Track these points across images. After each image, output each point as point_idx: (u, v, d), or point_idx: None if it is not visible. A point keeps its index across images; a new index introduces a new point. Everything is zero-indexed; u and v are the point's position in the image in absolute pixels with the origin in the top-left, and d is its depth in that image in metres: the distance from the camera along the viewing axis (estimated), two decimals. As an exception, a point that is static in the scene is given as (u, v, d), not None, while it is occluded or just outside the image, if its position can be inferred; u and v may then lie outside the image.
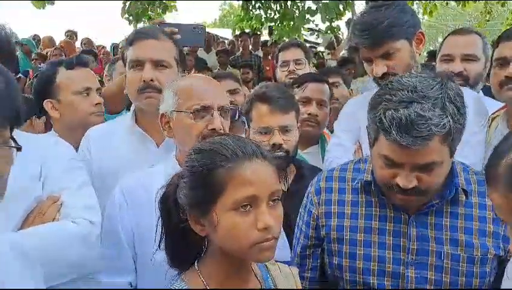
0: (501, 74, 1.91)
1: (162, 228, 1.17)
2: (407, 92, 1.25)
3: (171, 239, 1.17)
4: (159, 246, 1.17)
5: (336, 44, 9.07)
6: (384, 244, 1.44)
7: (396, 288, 1.41)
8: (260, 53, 8.84)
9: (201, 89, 1.60)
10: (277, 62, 3.11)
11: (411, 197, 1.33)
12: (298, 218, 1.65)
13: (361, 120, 2.09)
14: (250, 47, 8.81)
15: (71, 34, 9.65)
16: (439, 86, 1.26)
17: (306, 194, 1.62)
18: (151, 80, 1.83)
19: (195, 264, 1.17)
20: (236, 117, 2.05)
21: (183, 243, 1.16)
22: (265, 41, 9.16)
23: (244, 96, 3.14)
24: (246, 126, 2.08)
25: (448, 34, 2.58)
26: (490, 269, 1.40)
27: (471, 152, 1.90)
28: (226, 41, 10.24)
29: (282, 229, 1.13)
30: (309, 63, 3.11)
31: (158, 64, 1.87)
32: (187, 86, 1.61)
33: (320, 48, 10.31)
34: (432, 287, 1.38)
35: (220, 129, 1.56)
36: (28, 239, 1.28)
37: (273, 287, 1.23)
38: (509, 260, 1.38)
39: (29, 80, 5.82)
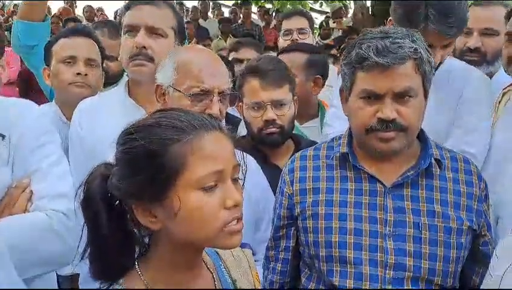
0: (510, 49, 1.84)
1: (88, 236, 0.96)
2: (378, 32, 1.34)
3: (101, 246, 0.95)
4: (82, 257, 0.97)
5: (343, 13, 8.88)
6: (361, 217, 1.40)
7: (375, 262, 1.38)
8: (260, 22, 8.68)
9: (203, 69, 1.51)
10: (280, 31, 3.04)
11: (392, 134, 1.34)
12: (275, 202, 1.60)
13: None
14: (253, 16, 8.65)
15: (70, 1, 9.46)
16: (409, 34, 1.34)
17: (280, 176, 1.57)
18: (144, 47, 1.74)
19: (136, 265, 0.99)
20: (237, 103, 1.98)
21: (117, 248, 0.96)
22: (267, 10, 8.96)
23: None
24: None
25: (470, 5, 2.48)
26: (465, 242, 1.40)
27: (478, 140, 1.85)
28: (228, 9, 10.03)
29: None
30: (312, 33, 3.04)
31: (153, 32, 1.78)
32: (188, 62, 1.53)
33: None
34: (412, 259, 1.36)
35: (217, 115, 1.48)
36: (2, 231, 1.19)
37: (226, 274, 1.10)
38: (483, 235, 1.44)
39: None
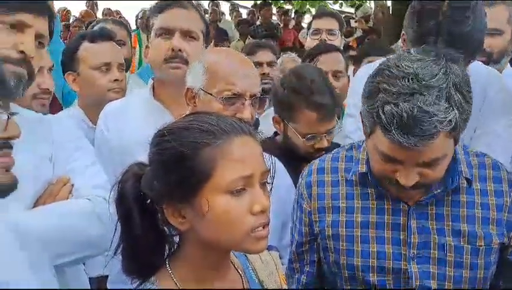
0: None
1: (121, 233, 0.99)
2: (408, 81, 1.11)
3: (133, 244, 0.98)
4: (115, 253, 0.99)
5: (371, 18, 8.85)
6: (383, 239, 1.34)
7: (398, 285, 1.33)
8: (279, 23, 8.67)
9: (234, 72, 1.51)
10: (308, 30, 3.04)
11: (413, 192, 1.26)
12: (292, 212, 1.54)
13: None
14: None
15: (91, 4, 9.60)
16: (444, 73, 1.12)
17: (297, 187, 1.50)
18: (180, 50, 1.78)
19: (166, 264, 1.01)
20: (266, 107, 1.98)
21: (149, 246, 0.99)
22: (286, 11, 8.95)
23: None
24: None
25: None
26: (494, 259, 1.33)
27: (502, 148, 1.78)
28: (246, 10, 10.05)
29: None
30: (341, 36, 3.01)
31: (187, 35, 1.82)
32: (219, 65, 1.52)
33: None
34: (436, 282, 1.30)
35: (249, 119, 1.48)
36: (36, 219, 1.23)
37: (254, 277, 1.12)
38: None
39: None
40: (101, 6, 9.75)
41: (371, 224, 1.36)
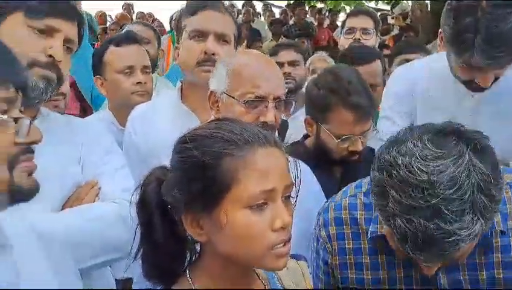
0: None
1: (141, 237, 0.97)
2: (422, 192, 0.92)
3: (153, 250, 0.96)
4: (135, 257, 0.97)
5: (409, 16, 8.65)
6: None
7: None
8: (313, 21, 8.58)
9: (257, 74, 1.47)
10: (342, 28, 2.96)
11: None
12: (311, 260, 1.39)
13: (417, 92, 1.89)
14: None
15: (127, 7, 9.80)
16: (466, 176, 0.92)
17: (315, 237, 1.36)
18: (213, 54, 1.75)
19: (187, 272, 0.98)
20: (291, 111, 1.92)
21: (169, 253, 0.96)
22: (320, 9, 8.86)
23: (308, 70, 3.01)
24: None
25: None
26: None
27: None
28: (278, 10, 10.01)
29: None
30: (377, 35, 2.92)
31: (221, 38, 1.79)
32: (242, 67, 1.49)
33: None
34: None
35: (272, 122, 1.44)
36: (60, 221, 1.24)
37: (279, 286, 1.06)
38: None
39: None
40: (137, 8, 9.95)
41: (398, 280, 1.24)
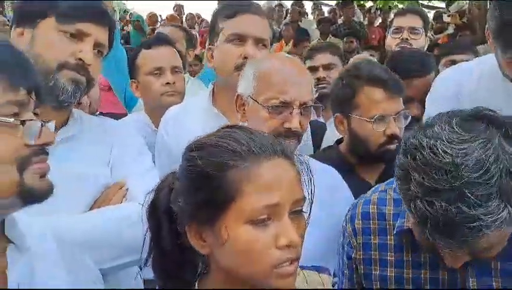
0: None
1: (150, 243, 0.96)
2: (445, 174, 0.88)
3: (161, 257, 0.94)
4: (146, 263, 0.96)
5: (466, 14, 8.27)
6: None
7: None
8: (362, 20, 8.38)
9: (283, 79, 1.44)
10: (390, 28, 2.84)
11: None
12: (337, 254, 1.39)
13: (464, 94, 1.78)
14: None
15: (178, 8, 10.00)
16: (494, 160, 0.87)
17: (342, 232, 1.34)
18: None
19: (196, 284, 0.95)
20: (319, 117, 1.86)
21: (177, 262, 0.94)
22: (369, 8, 8.63)
23: None
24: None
25: None
26: None
27: None
28: (327, 9, 9.85)
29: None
30: (426, 34, 2.77)
31: (259, 43, 1.78)
32: (268, 72, 1.47)
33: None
34: None
35: (297, 129, 1.41)
36: (81, 223, 1.26)
37: None
38: None
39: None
40: (187, 9, 10.15)
41: (423, 281, 1.17)
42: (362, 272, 1.27)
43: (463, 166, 0.88)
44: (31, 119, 0.89)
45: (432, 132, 0.94)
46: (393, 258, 1.22)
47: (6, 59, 0.89)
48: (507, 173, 0.88)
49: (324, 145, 2.15)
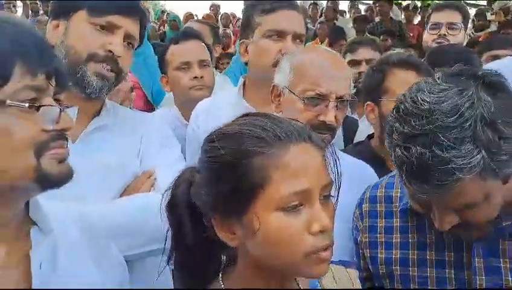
0: None
1: (171, 241, 0.93)
2: (421, 119, 0.92)
3: (184, 254, 0.92)
4: (168, 262, 0.94)
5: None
6: (445, 279, 1.13)
7: None
8: (401, 18, 8.18)
9: (320, 72, 1.43)
10: (427, 24, 2.77)
11: (458, 229, 1.03)
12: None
13: None
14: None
15: (215, 8, 10.08)
16: (468, 107, 0.90)
17: (352, 217, 1.35)
18: None
19: (219, 279, 0.92)
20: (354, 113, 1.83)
21: (201, 258, 0.91)
22: (407, 5, 8.42)
23: None
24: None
25: None
26: None
27: None
28: (363, 7, 9.67)
29: None
30: (465, 30, 2.69)
31: (297, 38, 1.78)
32: (305, 64, 1.46)
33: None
34: None
35: (332, 122, 1.39)
36: (108, 210, 1.26)
37: None
38: None
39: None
40: (224, 9, 10.21)
41: (429, 262, 1.16)
42: (368, 255, 1.26)
43: (438, 111, 0.91)
44: (49, 105, 0.88)
45: (417, 86, 0.99)
46: (398, 240, 1.22)
47: (25, 43, 0.88)
48: (482, 119, 0.89)
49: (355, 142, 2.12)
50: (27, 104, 0.85)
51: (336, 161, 0.90)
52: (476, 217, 1.00)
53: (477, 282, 1.10)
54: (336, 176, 0.89)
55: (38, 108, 0.86)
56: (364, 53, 2.66)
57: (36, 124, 0.87)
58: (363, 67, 2.57)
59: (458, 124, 0.89)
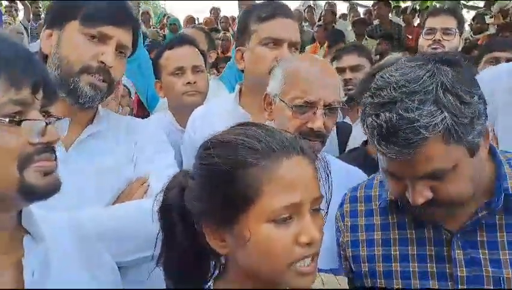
0: None
1: (162, 243, 0.95)
2: (389, 90, 1.02)
3: (175, 257, 0.93)
4: (157, 263, 0.95)
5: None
6: (427, 273, 1.16)
7: None
8: (400, 21, 8.18)
9: (309, 79, 1.44)
10: (423, 28, 2.79)
11: (433, 211, 1.09)
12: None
13: (496, 97, 1.75)
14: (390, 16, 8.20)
15: (215, 11, 10.10)
16: (429, 76, 1.01)
17: (335, 221, 1.36)
18: None
19: (210, 284, 0.94)
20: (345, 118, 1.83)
21: (191, 262, 0.92)
22: (405, 8, 8.42)
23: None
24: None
25: None
26: None
27: None
28: (362, 10, 9.68)
29: None
30: (460, 35, 2.70)
31: (293, 46, 1.79)
32: (296, 72, 1.48)
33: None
34: None
35: (320, 129, 1.40)
36: (100, 217, 1.27)
37: None
38: None
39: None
40: (223, 13, 10.22)
41: (411, 257, 1.19)
42: (350, 255, 1.28)
43: (403, 80, 1.02)
44: (31, 119, 0.88)
45: (389, 69, 1.09)
46: (380, 237, 1.24)
47: (9, 57, 0.88)
48: (442, 85, 0.99)
49: (350, 147, 2.13)
50: (7, 120, 0.85)
51: (328, 175, 0.92)
52: (447, 192, 1.04)
53: (458, 274, 1.13)
54: (327, 190, 0.91)
55: (19, 122, 0.86)
56: (349, 60, 2.66)
57: (21, 137, 0.87)
58: (348, 74, 2.60)
59: (421, 89, 0.99)
